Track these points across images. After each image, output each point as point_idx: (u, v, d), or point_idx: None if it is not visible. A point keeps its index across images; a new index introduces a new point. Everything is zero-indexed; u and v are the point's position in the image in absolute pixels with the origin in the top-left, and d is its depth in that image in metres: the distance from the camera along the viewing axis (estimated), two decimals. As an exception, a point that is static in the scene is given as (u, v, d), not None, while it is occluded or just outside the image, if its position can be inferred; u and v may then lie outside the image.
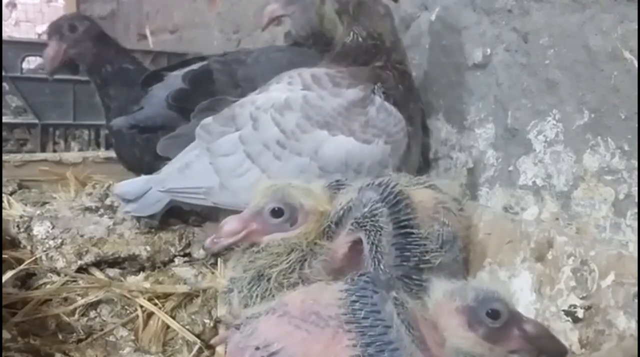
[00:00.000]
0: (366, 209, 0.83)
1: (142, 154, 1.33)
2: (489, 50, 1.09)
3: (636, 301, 0.73)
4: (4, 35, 3.06)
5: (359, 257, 0.83)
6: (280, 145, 1.02)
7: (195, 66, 1.23)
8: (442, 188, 0.93)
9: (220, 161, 1.05)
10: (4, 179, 1.34)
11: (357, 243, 0.83)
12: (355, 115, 1.04)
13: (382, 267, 0.80)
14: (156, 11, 3.05)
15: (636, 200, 0.87)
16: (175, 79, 1.24)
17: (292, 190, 0.84)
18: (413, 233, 0.83)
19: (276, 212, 0.82)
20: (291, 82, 1.07)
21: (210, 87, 1.14)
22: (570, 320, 0.79)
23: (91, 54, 1.44)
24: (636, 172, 0.86)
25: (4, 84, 1.95)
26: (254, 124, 1.04)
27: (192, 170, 1.07)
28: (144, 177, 1.13)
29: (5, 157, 1.42)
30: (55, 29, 1.44)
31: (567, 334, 0.79)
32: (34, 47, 2.07)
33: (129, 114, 1.30)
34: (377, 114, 1.05)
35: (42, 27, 4.43)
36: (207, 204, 1.06)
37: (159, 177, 1.09)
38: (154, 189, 1.09)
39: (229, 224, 0.82)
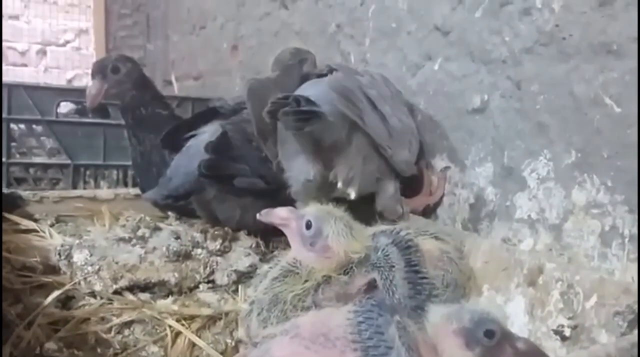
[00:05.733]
0: (379, 253, 0.91)
1: None
2: (486, 97, 1.18)
3: (616, 319, 0.81)
4: (40, 82, 3.26)
5: (373, 293, 0.88)
6: (389, 105, 1.20)
7: (208, 134, 1.31)
8: (446, 238, 1.01)
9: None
10: (44, 213, 1.45)
11: (372, 283, 0.89)
12: None
13: (396, 297, 0.86)
14: (181, 59, 3.19)
15: (620, 231, 0.95)
16: (195, 149, 1.30)
17: (333, 221, 0.90)
18: (422, 272, 0.90)
19: (308, 226, 0.90)
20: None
21: (231, 150, 1.24)
22: (559, 338, 0.86)
23: (129, 96, 1.49)
24: (619, 206, 0.95)
25: (39, 126, 2.05)
26: (373, 103, 1.18)
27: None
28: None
29: (44, 193, 1.52)
30: (99, 69, 1.48)
31: (557, 352, 0.85)
32: (68, 93, 2.20)
33: (159, 187, 1.37)
34: None
35: (72, 74, 4.62)
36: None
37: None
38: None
39: (282, 210, 0.94)
